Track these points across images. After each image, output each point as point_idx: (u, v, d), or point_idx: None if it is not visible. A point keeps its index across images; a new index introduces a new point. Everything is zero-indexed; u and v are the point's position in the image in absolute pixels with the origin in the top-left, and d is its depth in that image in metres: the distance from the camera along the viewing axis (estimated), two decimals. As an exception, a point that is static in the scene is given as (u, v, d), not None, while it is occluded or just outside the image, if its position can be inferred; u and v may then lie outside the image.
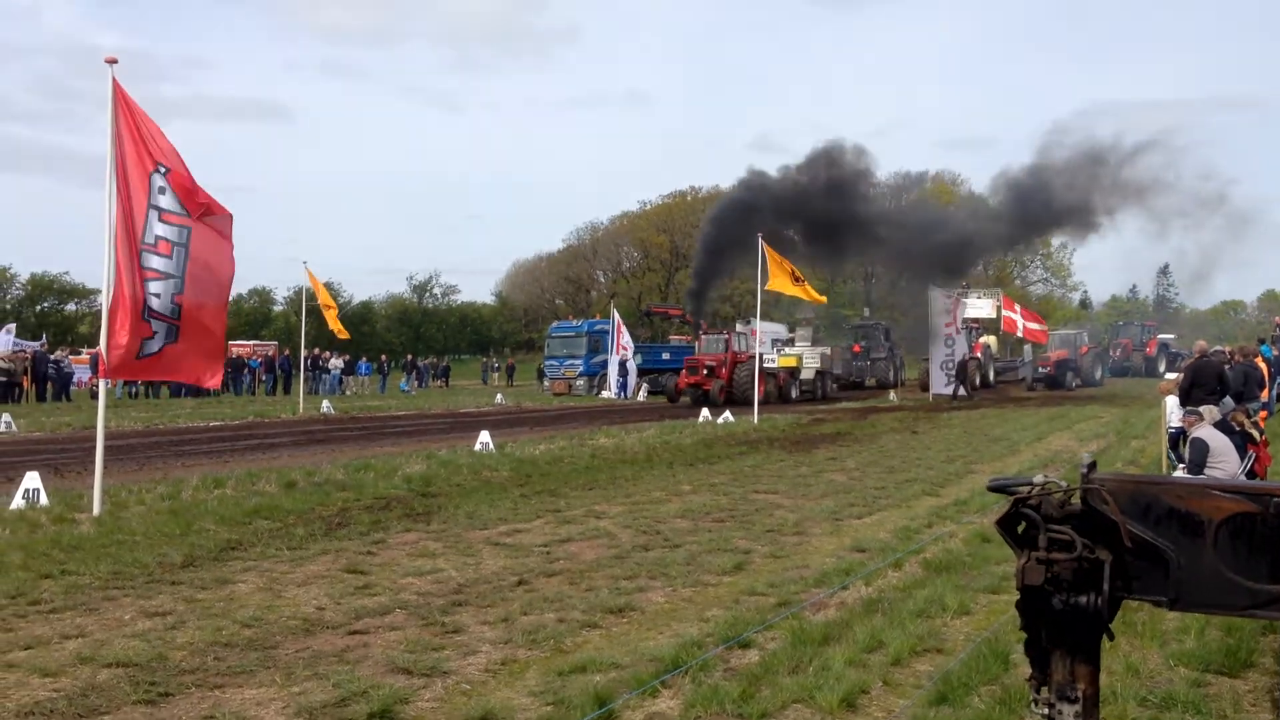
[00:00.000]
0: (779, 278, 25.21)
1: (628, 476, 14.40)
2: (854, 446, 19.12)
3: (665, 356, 46.27)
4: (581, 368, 44.64)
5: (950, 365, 37.72)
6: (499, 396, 39.77)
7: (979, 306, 45.06)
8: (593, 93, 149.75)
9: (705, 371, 36.44)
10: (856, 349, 47.60)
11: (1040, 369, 44.90)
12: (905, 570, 8.37)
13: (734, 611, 7.02)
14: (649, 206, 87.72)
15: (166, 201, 10.38)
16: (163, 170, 10.37)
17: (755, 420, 24.41)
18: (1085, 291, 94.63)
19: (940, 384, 37.62)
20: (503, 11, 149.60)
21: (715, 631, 6.46)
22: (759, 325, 31.13)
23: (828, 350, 42.88)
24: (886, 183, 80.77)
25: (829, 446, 19.08)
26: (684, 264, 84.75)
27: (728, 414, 25.05)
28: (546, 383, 46.19)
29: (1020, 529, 2.91)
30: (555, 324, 51.96)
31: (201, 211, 10.63)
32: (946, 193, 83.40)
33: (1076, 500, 2.87)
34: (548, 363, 46.97)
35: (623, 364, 41.28)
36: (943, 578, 7.96)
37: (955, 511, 11.34)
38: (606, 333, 43.20)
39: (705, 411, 25.48)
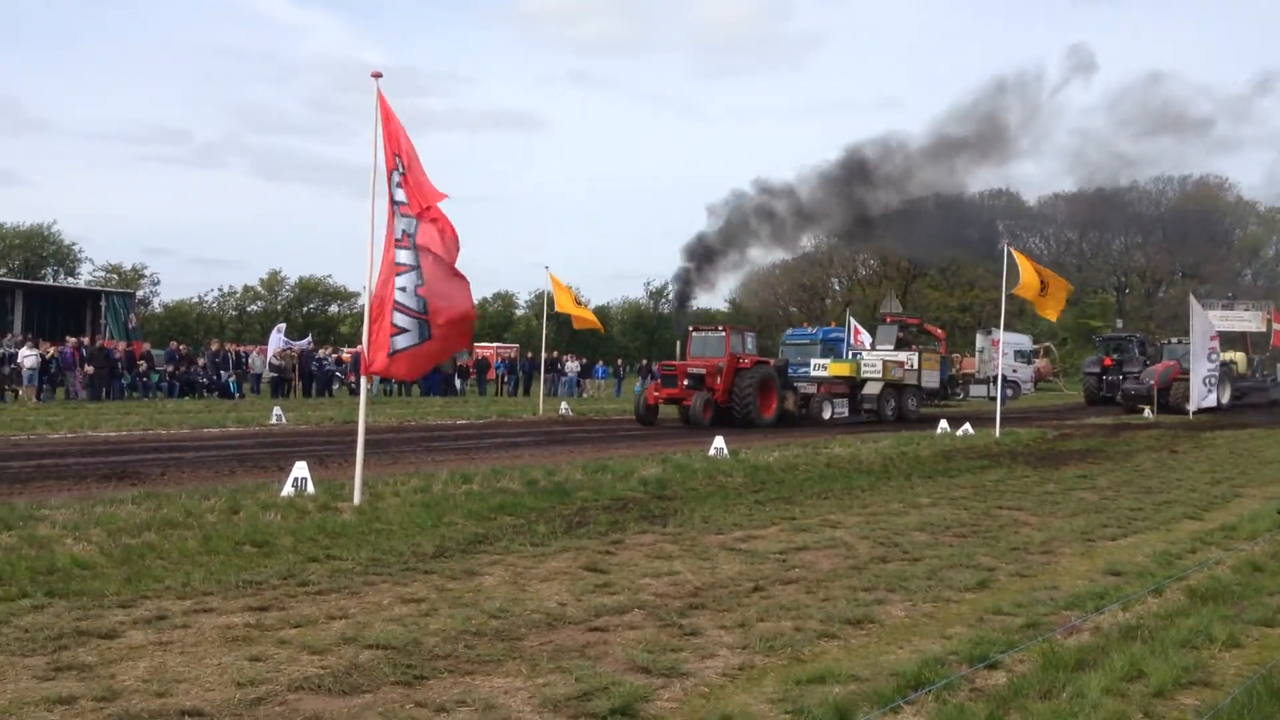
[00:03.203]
0: (1031, 283, 23.94)
1: (863, 487, 14.15)
2: (1105, 464, 18.13)
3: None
4: (815, 376, 44.15)
5: (1212, 381, 35.11)
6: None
7: (1244, 319, 41.75)
8: (839, 99, 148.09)
9: (687, 381, 27.32)
10: (1108, 362, 45.09)
11: None
12: (1166, 597, 7.85)
13: (978, 630, 6.77)
14: (890, 212, 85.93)
15: (401, 195, 10.90)
16: (400, 168, 10.87)
17: (998, 433, 23.52)
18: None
19: (1200, 398, 35.10)
20: (749, 19, 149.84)
21: (959, 650, 6.24)
22: (1001, 335, 30.02)
23: (913, 358, 33.42)
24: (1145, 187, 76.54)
25: (1078, 463, 18.16)
26: (921, 271, 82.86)
27: (968, 426, 24.23)
28: (779, 390, 45.91)
29: None
30: (789, 331, 51.64)
31: (429, 201, 11.02)
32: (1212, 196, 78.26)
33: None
34: (782, 370, 46.67)
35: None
36: (1209, 607, 7.42)
37: (1222, 537, 10.56)
38: (841, 340, 42.61)
39: (944, 423, 24.73)
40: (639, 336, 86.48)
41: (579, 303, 33.93)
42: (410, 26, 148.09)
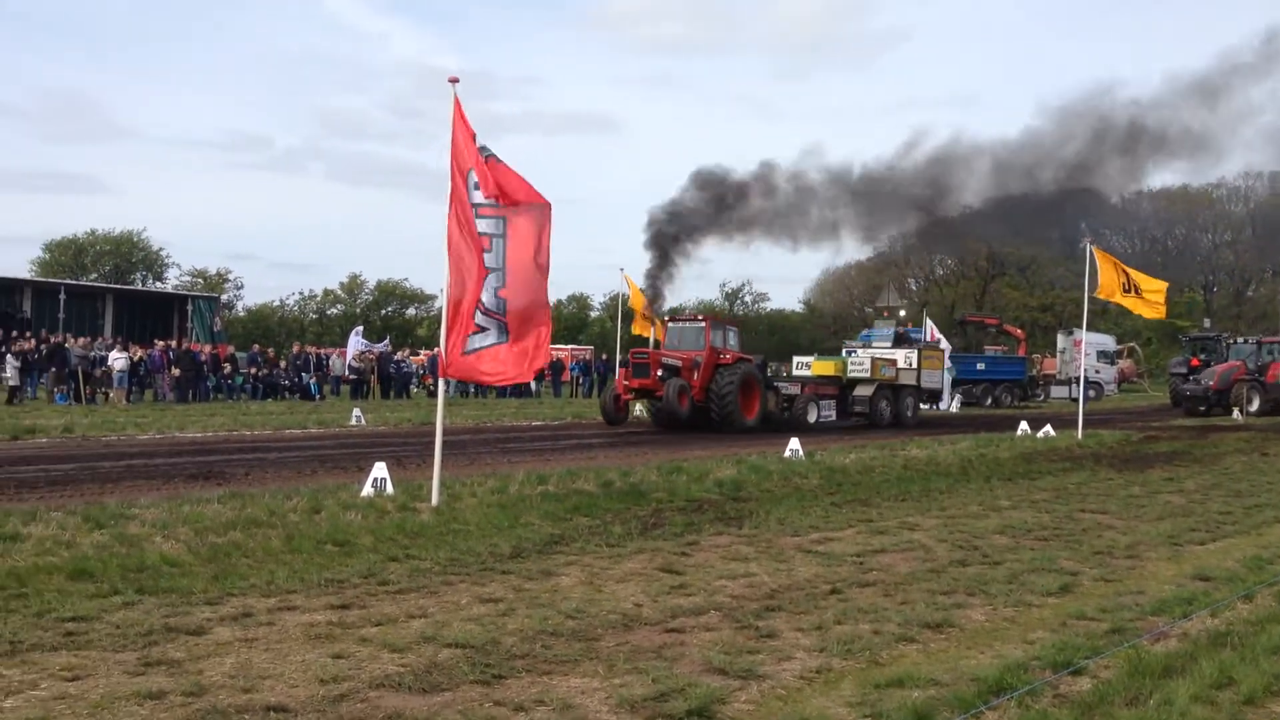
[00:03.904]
0: (1110, 285, 23.44)
1: (941, 489, 13.97)
2: (1193, 467, 17.69)
3: (980, 367, 44.62)
4: (890, 376, 43.78)
5: None
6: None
7: None
8: (916, 96, 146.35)
9: (661, 373, 24.59)
10: (1195, 363, 43.95)
11: None
12: (1257, 603, 7.64)
13: (1061, 635, 6.64)
14: (969, 211, 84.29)
15: (479, 197, 10.98)
16: (475, 170, 10.96)
17: (1080, 435, 23.07)
18: None
19: None
20: (829, 17, 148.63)
21: (1041, 655, 6.14)
22: (1084, 335, 29.44)
23: (911, 356, 30.47)
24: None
25: (1164, 466, 17.74)
26: (1001, 271, 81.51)
27: (1049, 428, 23.78)
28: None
29: None
30: (864, 331, 51.25)
31: (516, 201, 11.09)
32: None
33: None
34: (856, 371, 46.31)
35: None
36: (1303, 614, 7.21)
37: (1316, 542, 10.25)
38: (919, 341, 42.10)
39: (1024, 425, 24.30)
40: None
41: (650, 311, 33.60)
42: (486, 31, 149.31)
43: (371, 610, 6.89)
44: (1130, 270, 23.90)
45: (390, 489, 11.46)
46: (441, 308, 11.23)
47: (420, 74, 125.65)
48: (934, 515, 11.63)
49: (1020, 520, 11.35)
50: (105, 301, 45.91)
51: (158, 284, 69.78)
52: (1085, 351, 31.08)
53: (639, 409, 27.29)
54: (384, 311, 77.24)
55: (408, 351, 46.16)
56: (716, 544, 9.69)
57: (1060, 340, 47.87)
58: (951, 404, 39.78)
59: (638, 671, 5.70)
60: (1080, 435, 23.10)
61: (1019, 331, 52.81)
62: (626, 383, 25.10)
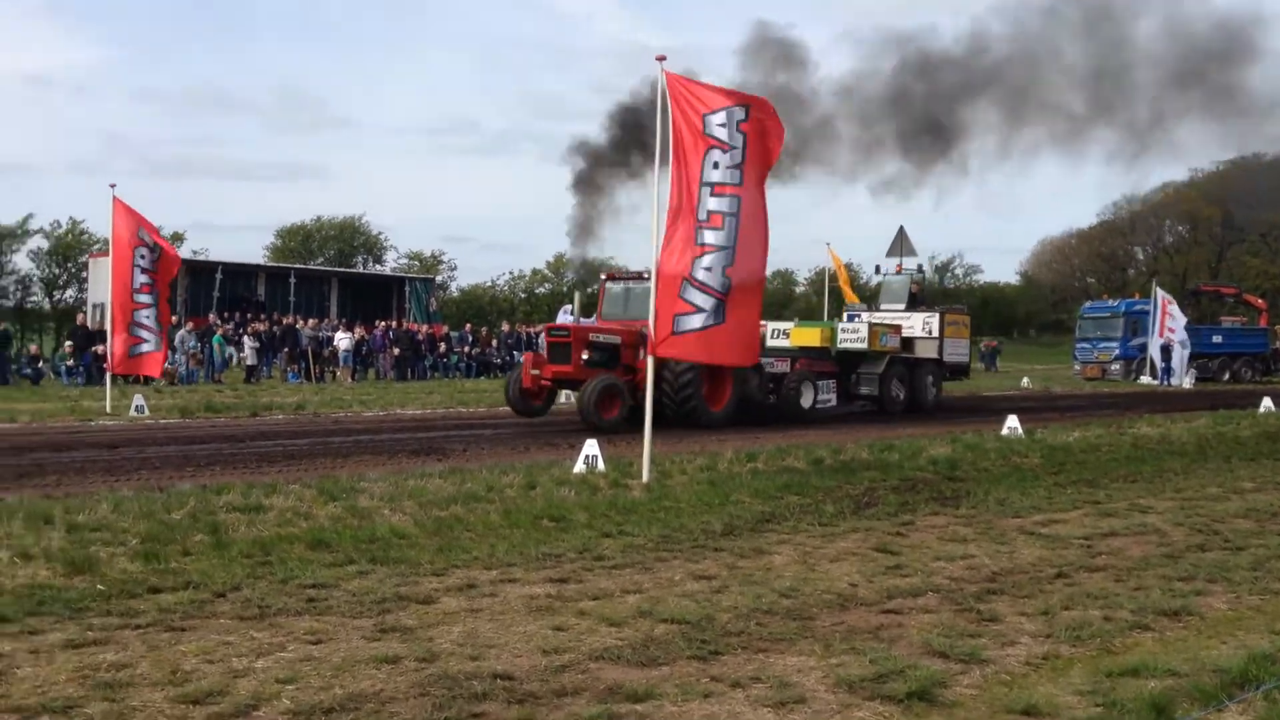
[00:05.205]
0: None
1: (1176, 469, 13.23)
2: None
3: (1216, 340, 42.06)
4: (1117, 350, 41.82)
5: None
6: (1025, 380, 38.19)
7: None
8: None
9: (587, 355, 18.07)
10: None
11: None
12: None
13: (1316, 627, 6.17)
14: (1199, 174, 78.84)
15: (718, 175, 10.94)
16: (716, 148, 10.92)
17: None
18: None
19: None
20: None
21: (1293, 647, 5.71)
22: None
23: (932, 322, 24.10)
24: None
25: None
26: (1239, 237, 76.39)
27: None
28: (1077, 366, 43.81)
29: None
30: (1088, 304, 48.94)
31: (757, 178, 11.05)
32: None
33: None
34: (1079, 345, 44.46)
35: (1165, 348, 37.95)
36: None
37: None
38: (1147, 313, 39.89)
39: (1267, 401, 22.65)
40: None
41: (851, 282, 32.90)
42: (689, 6, 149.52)
43: (588, 585, 7.03)
44: None
45: (602, 466, 11.65)
46: (651, 287, 11.29)
47: (624, 53, 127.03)
48: (1168, 497, 11.01)
49: (1266, 503, 10.62)
50: (331, 285, 48.54)
51: (377, 267, 73.18)
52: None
53: (565, 396, 21.21)
54: (590, 290, 78.71)
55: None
56: (933, 524, 9.45)
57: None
58: (1185, 379, 37.60)
59: (855, 652, 5.61)
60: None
61: (1260, 301, 49.35)
62: (536, 371, 18.35)
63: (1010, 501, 10.67)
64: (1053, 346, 74.13)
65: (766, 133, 11.03)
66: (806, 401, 20.59)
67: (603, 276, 21.24)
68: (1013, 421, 16.76)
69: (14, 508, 8.36)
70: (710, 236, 10.86)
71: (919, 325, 24.03)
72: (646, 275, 16.97)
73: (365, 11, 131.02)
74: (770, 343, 22.19)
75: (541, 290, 76.65)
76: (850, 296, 32.02)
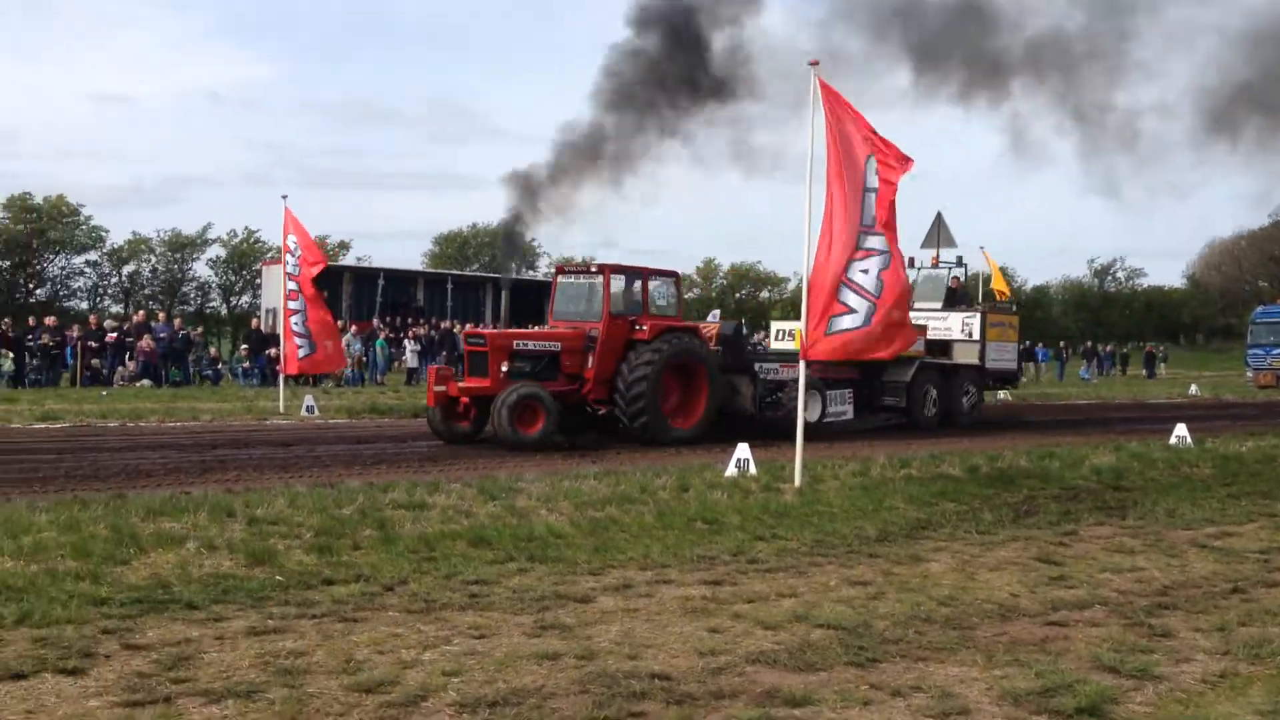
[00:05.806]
0: None
1: (1363, 482, 12.48)
2: None
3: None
4: (1294, 358, 39.69)
5: None
6: (1193, 387, 36.54)
7: None
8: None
9: (510, 368, 15.14)
10: None
11: None
12: None
13: None
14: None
15: (874, 181, 10.87)
16: (874, 155, 10.85)
17: None
18: None
19: None
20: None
21: None
22: None
23: (972, 323, 20.84)
24: None
25: None
26: None
27: None
28: (1250, 374, 41.69)
29: None
30: (1260, 309, 46.51)
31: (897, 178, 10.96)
32: None
33: None
34: (1251, 352, 42.30)
35: (1348, 354, 35.83)
36: None
37: None
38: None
39: None
40: (1080, 317, 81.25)
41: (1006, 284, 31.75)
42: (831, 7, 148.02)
43: (742, 588, 7.05)
44: None
45: (753, 469, 11.65)
46: (804, 291, 11.23)
47: (774, 57, 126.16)
48: (1354, 511, 10.41)
49: None
50: (486, 290, 49.65)
51: (530, 272, 74.57)
52: None
53: None
54: (738, 295, 78.54)
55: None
56: (1097, 534, 9.16)
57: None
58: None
59: (1019, 664, 5.49)
60: None
61: None
62: (441, 388, 15.46)
63: (1180, 513, 10.26)
64: (1223, 352, 70.80)
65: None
66: (812, 415, 17.05)
67: (556, 269, 19.28)
68: (1181, 430, 16.06)
69: (199, 501, 8.84)
70: (874, 241, 10.80)
71: (957, 326, 21.01)
72: (592, 267, 16.77)
73: (509, 26, 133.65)
74: (776, 344, 20.63)
75: (690, 295, 76.92)
76: (1004, 292, 30.18)
